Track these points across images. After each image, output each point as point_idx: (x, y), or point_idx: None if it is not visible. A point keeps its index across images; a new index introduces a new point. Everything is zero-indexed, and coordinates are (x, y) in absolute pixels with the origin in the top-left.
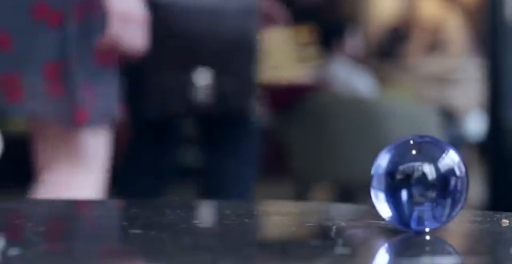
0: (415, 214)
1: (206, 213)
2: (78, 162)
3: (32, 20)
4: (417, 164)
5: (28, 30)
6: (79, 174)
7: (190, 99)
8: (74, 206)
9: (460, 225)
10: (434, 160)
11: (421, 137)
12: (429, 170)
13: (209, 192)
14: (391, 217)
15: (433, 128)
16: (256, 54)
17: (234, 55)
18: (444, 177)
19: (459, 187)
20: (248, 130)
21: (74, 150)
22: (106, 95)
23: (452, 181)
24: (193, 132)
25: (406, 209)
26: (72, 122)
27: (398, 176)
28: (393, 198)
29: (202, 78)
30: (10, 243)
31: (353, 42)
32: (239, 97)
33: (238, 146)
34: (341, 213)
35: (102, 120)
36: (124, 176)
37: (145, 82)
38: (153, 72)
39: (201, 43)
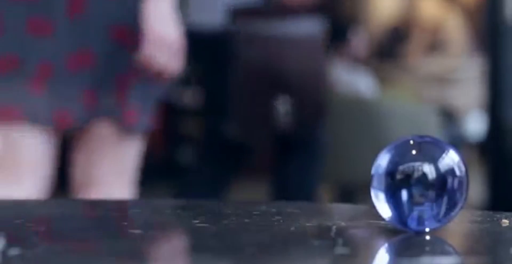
0: (415, 214)
1: (206, 213)
2: (116, 171)
3: (111, 40)
4: (417, 164)
5: (108, 48)
6: (114, 182)
7: (271, 124)
8: (74, 206)
9: (460, 225)
10: (434, 160)
11: (421, 137)
12: (429, 170)
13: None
14: (391, 217)
15: (433, 128)
16: (326, 78)
17: (308, 82)
18: (444, 177)
19: (459, 187)
20: (317, 147)
21: (117, 158)
22: (148, 108)
23: (452, 181)
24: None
25: (406, 209)
26: (123, 124)
27: (398, 176)
28: (393, 198)
29: (282, 105)
30: (10, 243)
31: (356, 43)
32: (312, 121)
33: (306, 161)
34: (341, 213)
35: (143, 129)
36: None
37: (229, 106)
38: (237, 98)
39: (279, 71)
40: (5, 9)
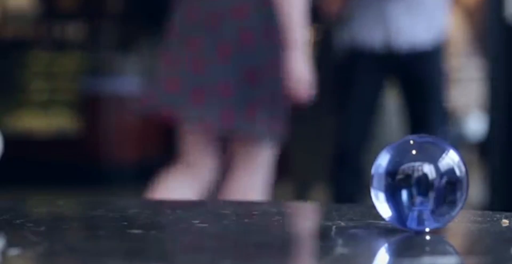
0: (415, 214)
1: (206, 213)
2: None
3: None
4: (417, 164)
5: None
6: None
7: None
8: (74, 206)
9: (460, 225)
10: (434, 160)
11: (421, 137)
12: (429, 170)
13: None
14: (391, 217)
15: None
16: None
17: None
18: (444, 177)
19: (458, 187)
20: None
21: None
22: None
23: (452, 181)
24: None
25: (406, 209)
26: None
27: (398, 176)
28: (393, 198)
29: None
30: (10, 243)
31: None
32: None
33: None
34: (341, 213)
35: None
36: None
37: None
38: None
39: None
40: None
